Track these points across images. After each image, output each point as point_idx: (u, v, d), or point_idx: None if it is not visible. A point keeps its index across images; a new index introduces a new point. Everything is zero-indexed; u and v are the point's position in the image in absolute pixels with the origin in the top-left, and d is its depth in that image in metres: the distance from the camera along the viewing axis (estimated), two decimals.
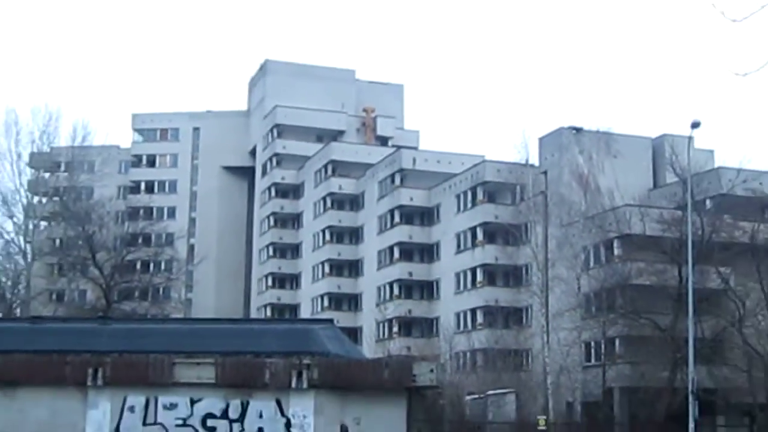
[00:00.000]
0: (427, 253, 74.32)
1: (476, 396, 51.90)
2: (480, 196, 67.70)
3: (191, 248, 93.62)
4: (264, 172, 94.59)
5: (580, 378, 52.60)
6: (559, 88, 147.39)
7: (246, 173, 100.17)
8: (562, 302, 54.40)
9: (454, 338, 63.93)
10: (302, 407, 44.40)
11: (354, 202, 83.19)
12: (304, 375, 44.87)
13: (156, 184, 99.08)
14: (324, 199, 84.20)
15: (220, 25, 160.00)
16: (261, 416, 44.64)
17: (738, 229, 49.77)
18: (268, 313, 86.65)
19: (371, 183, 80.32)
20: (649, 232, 50.86)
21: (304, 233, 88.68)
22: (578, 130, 61.59)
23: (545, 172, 62.15)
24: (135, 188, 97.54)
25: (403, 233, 74.63)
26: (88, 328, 50.80)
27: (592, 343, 53.39)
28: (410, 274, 74.03)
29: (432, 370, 47.90)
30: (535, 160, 63.27)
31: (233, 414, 44.63)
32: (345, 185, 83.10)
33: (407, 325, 72.69)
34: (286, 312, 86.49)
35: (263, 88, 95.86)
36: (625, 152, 60.28)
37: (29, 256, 70.05)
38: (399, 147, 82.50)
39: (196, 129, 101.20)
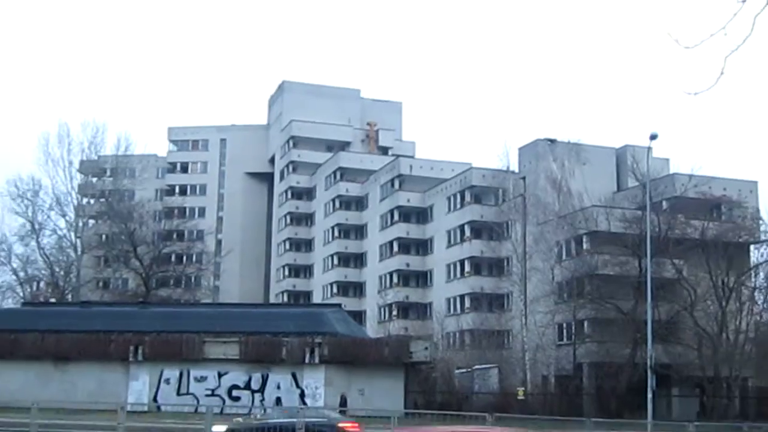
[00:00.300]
0: (422, 247, 74.22)
1: (464, 370, 51.82)
2: (467, 198, 67.58)
3: (219, 243, 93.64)
4: (281, 177, 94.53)
5: (554, 355, 52.52)
6: (536, 105, 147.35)
7: (266, 178, 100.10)
8: (538, 289, 54.30)
9: (445, 320, 63.86)
10: (314, 379, 44.48)
11: (359, 203, 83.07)
12: (316, 352, 45.00)
13: (188, 188, 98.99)
14: (333, 200, 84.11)
15: (243, 50, 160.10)
16: (279, 387, 44.73)
17: (690, 227, 49.71)
18: (285, 299, 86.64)
19: (374, 187, 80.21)
20: (613, 229, 50.84)
21: (316, 230, 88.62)
22: (552, 141, 61.42)
23: (524, 178, 62.02)
24: (170, 191, 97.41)
25: (401, 230, 74.52)
26: (130, 311, 51.22)
27: (564, 325, 53.28)
28: (407, 265, 73.94)
29: (426, 348, 48.10)
30: (515, 167, 63.19)
31: (255, 385, 44.73)
32: (351, 188, 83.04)
33: (405, 309, 72.58)
34: (300, 298, 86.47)
35: (281, 104, 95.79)
36: (593, 160, 60.19)
37: (79, 250, 70.17)
38: (398, 156, 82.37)
39: (222, 140, 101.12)
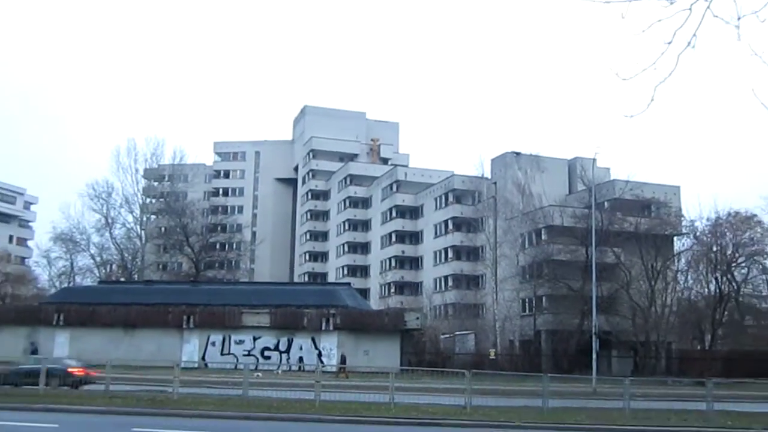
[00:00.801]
0: (414, 237, 74.22)
1: (447, 335, 51.95)
2: (450, 198, 67.56)
3: (253, 234, 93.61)
4: (303, 182, 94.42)
5: (519, 323, 52.63)
6: (505, 123, 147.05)
7: (291, 183, 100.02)
8: (506, 271, 54.39)
9: (432, 296, 63.97)
10: (329, 343, 44.54)
11: (364, 203, 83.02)
12: (331, 321, 45.04)
13: (230, 190, 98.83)
14: (344, 200, 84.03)
15: (273, 80, 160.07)
16: (301, 349, 44.76)
17: (626, 222, 49.76)
18: (306, 279, 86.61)
19: (376, 190, 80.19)
20: (566, 224, 50.90)
21: (330, 224, 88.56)
22: (518, 153, 61.42)
23: (495, 183, 62.02)
24: (215, 193, 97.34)
25: (398, 224, 74.49)
26: (184, 288, 51.31)
27: (527, 300, 53.38)
28: (403, 252, 73.93)
29: (417, 318, 48.11)
30: (488, 174, 63.14)
31: (282, 347, 44.79)
32: (358, 191, 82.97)
33: (400, 287, 72.59)
34: (318, 278, 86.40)
35: (303, 124, 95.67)
36: (550, 169, 60.22)
37: (143, 239, 70.28)
38: (395, 165, 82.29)
39: (257, 152, 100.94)
